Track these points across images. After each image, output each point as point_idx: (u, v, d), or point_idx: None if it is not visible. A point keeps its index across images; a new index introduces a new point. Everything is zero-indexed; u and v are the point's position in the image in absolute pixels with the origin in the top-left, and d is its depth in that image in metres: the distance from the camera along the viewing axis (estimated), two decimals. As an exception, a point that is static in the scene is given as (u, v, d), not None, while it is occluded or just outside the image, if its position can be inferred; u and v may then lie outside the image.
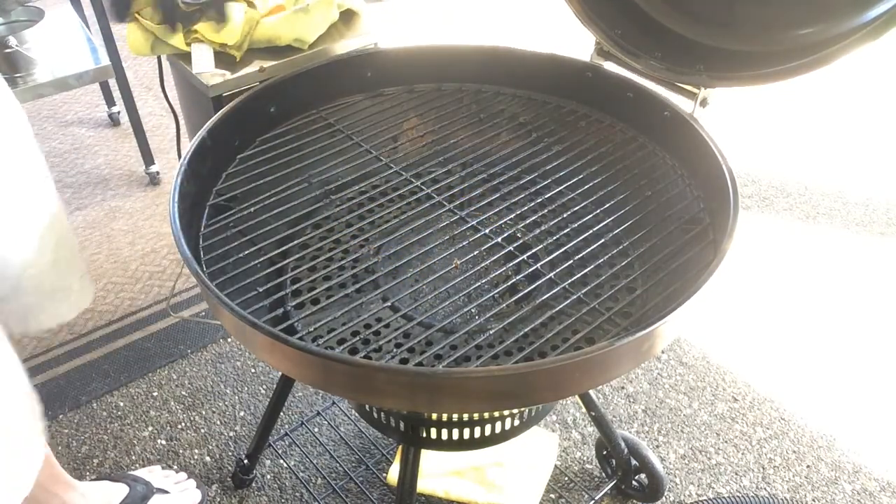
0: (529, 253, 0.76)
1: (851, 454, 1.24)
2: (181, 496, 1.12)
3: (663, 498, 1.15)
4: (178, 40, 1.13)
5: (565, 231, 0.78)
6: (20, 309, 0.74)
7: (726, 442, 1.26)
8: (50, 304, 0.77)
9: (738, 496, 1.15)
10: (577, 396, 1.14)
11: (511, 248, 0.76)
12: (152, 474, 1.13)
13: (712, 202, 0.76)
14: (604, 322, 0.68)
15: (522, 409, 0.85)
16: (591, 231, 0.75)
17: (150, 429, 1.28)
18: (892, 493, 1.18)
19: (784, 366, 1.41)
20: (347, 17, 1.25)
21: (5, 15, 1.72)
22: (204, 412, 1.31)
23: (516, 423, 0.88)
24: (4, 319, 0.74)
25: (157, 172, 1.94)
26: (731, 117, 2.14)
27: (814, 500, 1.18)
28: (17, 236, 0.69)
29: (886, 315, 1.52)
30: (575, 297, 0.69)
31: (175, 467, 1.19)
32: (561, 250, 0.73)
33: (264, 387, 1.35)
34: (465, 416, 0.84)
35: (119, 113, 2.21)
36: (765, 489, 1.19)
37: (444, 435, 0.86)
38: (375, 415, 0.89)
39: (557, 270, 0.71)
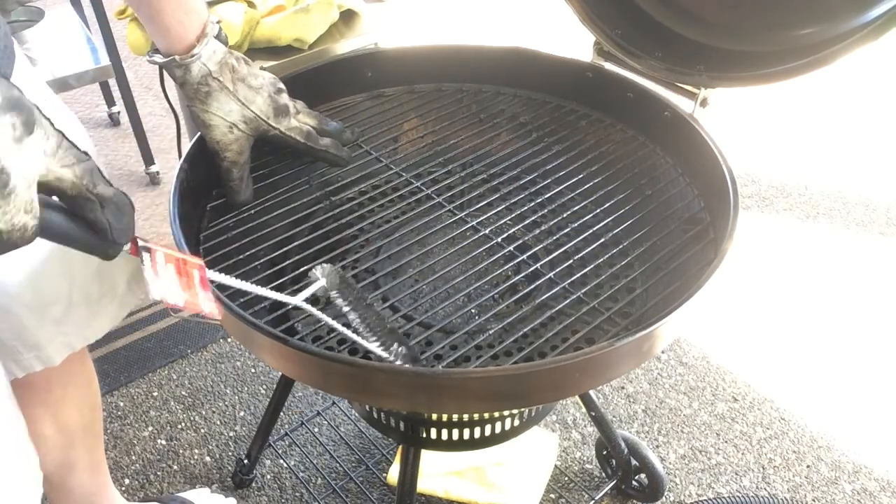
0: (529, 253, 0.76)
1: (851, 454, 1.24)
2: None
3: (663, 498, 1.15)
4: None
5: (565, 231, 0.78)
6: (78, 321, 0.74)
7: (726, 442, 1.26)
8: (102, 309, 0.77)
9: (738, 496, 1.15)
10: (577, 396, 1.14)
11: (511, 248, 0.76)
12: (200, 497, 1.13)
13: (712, 202, 0.76)
14: (603, 322, 0.68)
15: (522, 409, 0.85)
16: (590, 231, 0.75)
17: (150, 429, 1.28)
18: (892, 493, 1.18)
19: (784, 366, 1.41)
20: (347, 17, 1.25)
21: (5, 15, 1.71)
22: (204, 412, 1.31)
23: (516, 423, 0.88)
24: (66, 339, 0.75)
25: (157, 172, 1.94)
26: (731, 117, 2.14)
27: (814, 500, 1.18)
28: (59, 255, 0.68)
29: (886, 315, 1.52)
30: (575, 296, 0.69)
31: (221, 493, 1.17)
32: (561, 250, 0.73)
33: (264, 387, 1.35)
34: (465, 417, 0.84)
35: (119, 113, 2.21)
36: (765, 489, 1.19)
37: (444, 435, 0.86)
38: (375, 415, 0.89)
39: (557, 270, 0.71)
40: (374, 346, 0.60)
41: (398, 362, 0.60)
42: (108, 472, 1.00)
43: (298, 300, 0.58)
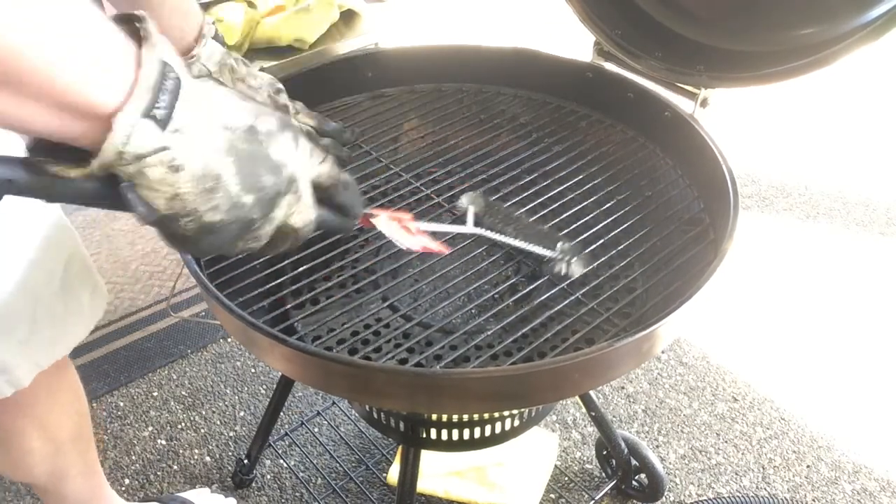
0: (529, 253, 0.76)
1: (851, 454, 1.24)
2: None
3: (663, 498, 1.15)
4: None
5: (565, 232, 0.78)
6: (43, 341, 0.73)
7: (726, 442, 1.26)
8: (67, 328, 0.76)
9: (738, 496, 1.15)
10: (577, 396, 1.14)
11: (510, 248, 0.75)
12: (200, 497, 1.13)
13: (712, 202, 0.76)
14: (603, 322, 0.68)
15: (522, 409, 0.85)
16: (590, 231, 0.75)
17: (150, 429, 1.28)
18: (892, 493, 1.18)
19: (784, 366, 1.41)
20: (348, 17, 1.25)
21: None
22: (204, 412, 1.31)
23: (516, 423, 0.88)
24: (33, 359, 0.73)
25: (157, 172, 1.94)
26: (731, 117, 2.14)
27: (814, 500, 1.18)
28: (22, 275, 0.67)
29: (886, 315, 1.52)
30: (574, 297, 0.69)
31: (221, 493, 1.17)
32: (561, 250, 0.73)
33: (264, 387, 1.35)
34: (465, 417, 0.84)
35: (119, 113, 2.21)
36: (765, 489, 1.19)
37: (444, 435, 0.86)
38: (375, 415, 0.89)
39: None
40: (539, 250, 0.72)
41: (566, 258, 0.72)
42: (102, 474, 0.99)
43: (470, 228, 0.73)
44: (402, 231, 0.62)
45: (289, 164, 0.45)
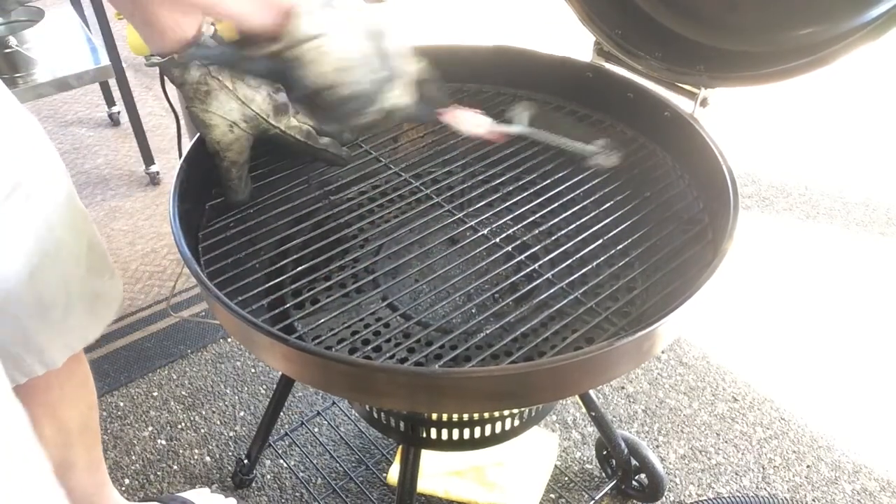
0: (528, 253, 0.76)
1: (851, 454, 1.24)
2: None
3: (663, 498, 1.15)
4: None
5: (564, 231, 0.78)
6: (76, 322, 0.75)
7: (726, 442, 1.26)
8: (96, 310, 0.78)
9: (738, 496, 1.15)
10: (577, 396, 1.14)
11: (510, 248, 0.75)
12: (200, 497, 1.13)
13: (712, 202, 0.76)
14: (602, 321, 0.68)
15: (522, 409, 0.85)
16: (590, 231, 0.75)
17: (150, 429, 1.28)
18: (892, 493, 1.18)
19: (784, 366, 1.41)
20: (347, 17, 1.25)
21: (5, 15, 1.72)
22: (204, 412, 1.31)
23: (516, 423, 0.88)
24: (66, 340, 0.75)
25: (157, 172, 1.94)
26: (731, 117, 2.14)
27: (814, 500, 1.18)
28: (53, 253, 0.69)
29: (886, 315, 1.52)
30: (573, 296, 0.69)
31: (221, 493, 1.17)
32: (560, 250, 0.73)
33: (264, 387, 1.35)
34: (465, 417, 0.84)
35: (119, 113, 2.21)
36: (765, 489, 1.19)
37: (445, 435, 0.86)
38: (375, 415, 0.89)
39: (556, 270, 0.71)
40: (580, 147, 0.85)
41: (602, 150, 0.83)
42: (106, 471, 1.00)
43: (519, 129, 0.86)
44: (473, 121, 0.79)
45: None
